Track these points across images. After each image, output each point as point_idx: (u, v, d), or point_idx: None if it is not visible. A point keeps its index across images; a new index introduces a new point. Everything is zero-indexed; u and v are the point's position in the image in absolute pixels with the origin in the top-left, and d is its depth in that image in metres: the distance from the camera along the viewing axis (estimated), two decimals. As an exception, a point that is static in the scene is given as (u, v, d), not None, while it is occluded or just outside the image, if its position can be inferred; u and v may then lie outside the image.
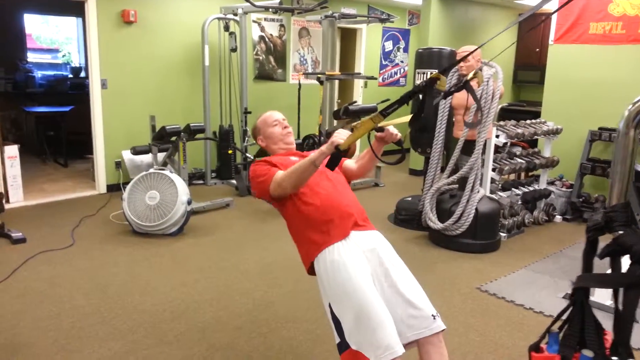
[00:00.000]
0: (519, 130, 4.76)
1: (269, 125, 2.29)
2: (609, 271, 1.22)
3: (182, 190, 4.47)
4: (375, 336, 1.74)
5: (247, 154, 5.92)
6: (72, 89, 8.39)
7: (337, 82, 6.20)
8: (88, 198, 5.60)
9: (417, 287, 1.95)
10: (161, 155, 5.25)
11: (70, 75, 9.21)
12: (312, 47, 7.48)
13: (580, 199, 5.33)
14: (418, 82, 4.79)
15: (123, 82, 5.74)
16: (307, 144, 6.02)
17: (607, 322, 3.24)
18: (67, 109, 7.20)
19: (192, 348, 2.73)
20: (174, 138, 5.11)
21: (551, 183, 5.52)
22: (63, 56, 10.40)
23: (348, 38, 8.19)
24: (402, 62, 8.73)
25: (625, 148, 1.25)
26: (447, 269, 3.91)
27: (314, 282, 2.07)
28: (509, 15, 8.60)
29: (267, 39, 6.90)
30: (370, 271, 1.90)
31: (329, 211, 1.99)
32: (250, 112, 6.13)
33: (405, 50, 8.72)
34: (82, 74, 9.15)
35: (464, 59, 1.67)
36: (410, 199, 5.14)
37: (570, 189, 5.41)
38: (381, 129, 1.97)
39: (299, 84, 6.48)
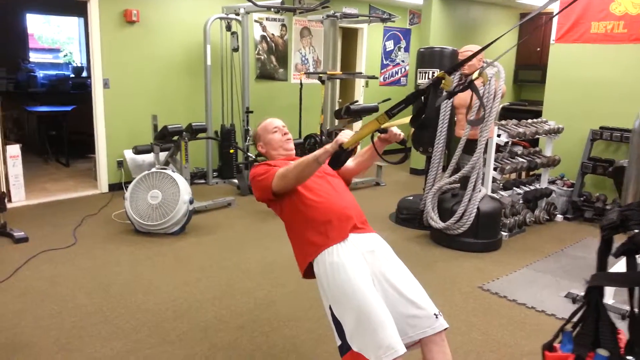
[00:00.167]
0: (521, 130, 4.76)
1: (269, 132, 2.31)
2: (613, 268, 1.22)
3: (184, 189, 4.48)
4: (376, 337, 1.74)
5: (249, 154, 5.93)
6: (74, 89, 8.40)
7: (338, 81, 6.20)
8: (90, 197, 5.61)
9: (418, 286, 1.95)
10: (163, 155, 5.26)
11: (72, 75, 9.22)
12: (314, 47, 7.48)
13: (582, 198, 5.33)
14: (420, 81, 4.79)
15: (125, 81, 5.75)
16: (308, 143, 6.03)
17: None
18: (69, 108, 7.21)
19: (195, 347, 2.73)
20: (176, 137, 5.12)
21: (552, 182, 5.52)
22: (65, 56, 10.41)
23: (349, 38, 8.19)
24: (403, 61, 8.73)
25: (640, 147, 1.25)
26: (449, 268, 3.91)
27: (315, 281, 2.08)
28: (510, 15, 8.59)
29: (268, 39, 6.91)
30: (370, 272, 1.90)
31: (328, 213, 2.00)
32: (252, 112, 6.13)
33: (406, 49, 8.72)
34: (84, 74, 9.16)
35: (470, 59, 1.66)
36: (411, 198, 5.14)
37: (572, 188, 5.41)
38: (385, 131, 1.97)
39: (301, 84, 6.49)
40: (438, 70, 4.65)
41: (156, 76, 5.98)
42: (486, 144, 4.29)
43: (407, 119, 1.97)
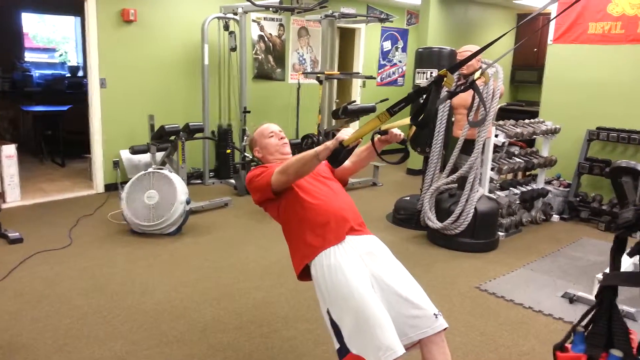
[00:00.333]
0: (518, 130, 4.77)
1: (265, 137, 2.32)
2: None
3: (181, 189, 4.46)
4: (375, 338, 1.73)
5: (246, 154, 5.92)
6: (70, 88, 8.36)
7: (335, 81, 6.20)
8: (85, 198, 5.58)
9: (416, 287, 1.95)
10: (159, 155, 5.24)
11: (68, 75, 9.18)
12: (311, 47, 7.47)
13: (578, 199, 5.34)
14: (418, 81, 4.79)
15: (122, 81, 5.72)
16: (305, 143, 6.01)
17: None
18: (64, 108, 7.17)
19: (193, 348, 2.72)
20: (172, 137, 5.10)
21: (549, 182, 5.53)
22: (60, 55, 10.37)
23: (347, 38, 8.19)
24: (400, 61, 8.73)
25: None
26: (446, 268, 3.91)
27: (313, 282, 2.08)
28: (507, 15, 8.61)
29: (266, 39, 6.89)
30: (367, 274, 1.90)
31: (325, 215, 1.99)
32: (249, 112, 6.12)
33: (404, 50, 8.72)
34: (80, 73, 9.12)
35: (470, 59, 1.66)
36: (408, 198, 5.14)
37: (568, 189, 5.43)
38: (385, 132, 1.96)
39: (299, 84, 6.48)
40: (436, 70, 4.66)
41: (153, 76, 5.95)
42: (483, 144, 4.30)
43: (408, 120, 1.96)
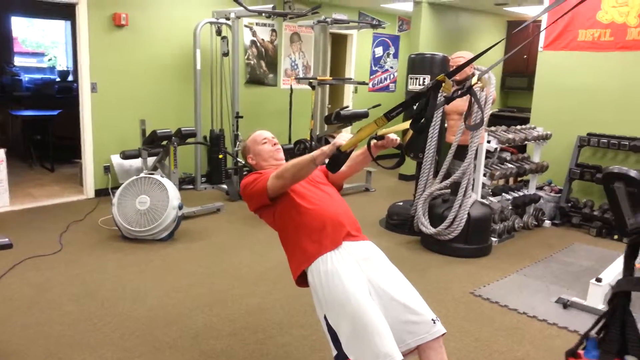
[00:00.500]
0: (510, 136, 4.80)
1: (258, 143, 2.31)
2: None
3: (173, 195, 4.43)
4: (373, 345, 1.72)
5: (238, 159, 5.89)
6: (60, 93, 8.29)
7: (328, 87, 6.20)
8: (76, 203, 5.52)
9: (414, 292, 1.94)
10: (151, 160, 5.20)
11: (58, 79, 9.11)
12: (303, 52, 7.48)
13: (569, 204, 5.38)
14: (411, 87, 4.80)
15: (113, 85, 5.68)
16: (298, 149, 6.00)
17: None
18: (54, 112, 7.10)
19: (186, 355, 2.68)
20: (164, 142, 5.07)
21: (540, 188, 5.56)
22: (49, 60, 10.29)
23: (338, 44, 8.21)
24: (391, 67, 8.77)
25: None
26: (440, 274, 3.91)
27: (309, 288, 2.06)
28: (497, 23, 8.69)
29: (258, 44, 6.89)
30: (364, 280, 1.89)
31: (322, 220, 1.98)
32: (241, 117, 6.10)
33: (395, 56, 8.77)
34: (70, 78, 9.05)
35: (466, 64, 1.67)
36: (401, 203, 5.14)
37: (559, 194, 5.47)
38: (382, 138, 1.96)
39: (291, 89, 6.47)
40: (429, 76, 4.68)
41: (145, 80, 5.92)
42: (476, 150, 4.31)
43: (404, 125, 1.96)
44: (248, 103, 6.65)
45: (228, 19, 6.03)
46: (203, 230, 4.74)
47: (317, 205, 2.02)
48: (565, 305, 3.38)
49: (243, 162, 5.87)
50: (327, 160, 1.84)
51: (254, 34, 6.81)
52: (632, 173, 3.36)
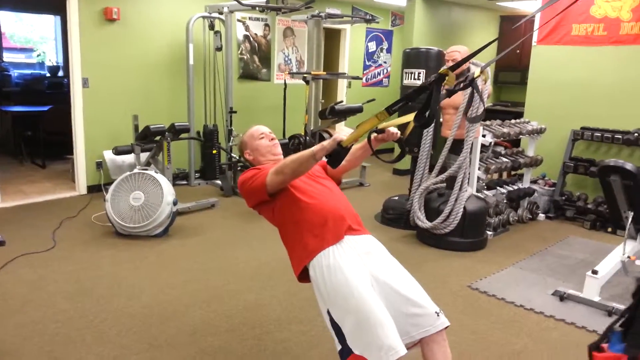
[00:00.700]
0: (505, 130, 4.80)
1: (256, 139, 2.29)
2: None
3: (168, 190, 4.39)
4: (377, 338, 1.71)
5: (232, 154, 5.86)
6: (50, 89, 8.19)
7: (321, 81, 6.18)
8: (68, 199, 5.46)
9: (416, 286, 1.94)
10: (144, 156, 5.15)
11: (48, 75, 9.00)
12: (297, 47, 7.44)
13: (563, 197, 5.40)
14: (406, 82, 4.79)
15: (105, 81, 5.61)
16: (292, 143, 5.98)
17: (596, 318, 3.24)
18: (45, 108, 7.02)
19: (183, 352, 2.66)
20: (158, 138, 5.02)
21: (534, 182, 5.58)
22: (38, 55, 10.17)
23: (332, 38, 8.18)
24: (385, 62, 8.75)
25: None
26: (437, 268, 3.92)
27: (306, 283, 2.05)
28: (490, 17, 8.69)
29: (251, 39, 6.84)
30: (367, 274, 1.87)
31: (323, 215, 1.97)
32: (235, 112, 6.06)
33: (389, 51, 8.75)
34: (60, 73, 8.94)
35: (467, 59, 1.65)
36: (397, 198, 5.14)
37: (553, 188, 5.49)
38: (382, 131, 1.94)
39: (285, 84, 6.44)
40: (424, 70, 4.67)
41: (137, 75, 5.86)
42: (472, 144, 4.31)
43: (405, 118, 1.94)
44: (241, 98, 6.61)
45: (221, 13, 5.97)
46: (198, 226, 4.71)
47: (317, 200, 2.00)
48: (562, 297, 3.39)
49: (237, 158, 5.84)
50: (325, 157, 1.82)
51: (247, 28, 6.76)
52: (628, 166, 3.39)
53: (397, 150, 7.11)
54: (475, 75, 1.67)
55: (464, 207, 4.23)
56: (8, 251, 3.89)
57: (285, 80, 6.59)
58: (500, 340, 2.88)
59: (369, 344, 1.71)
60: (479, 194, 4.65)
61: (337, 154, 1.78)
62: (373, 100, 6.08)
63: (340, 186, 2.30)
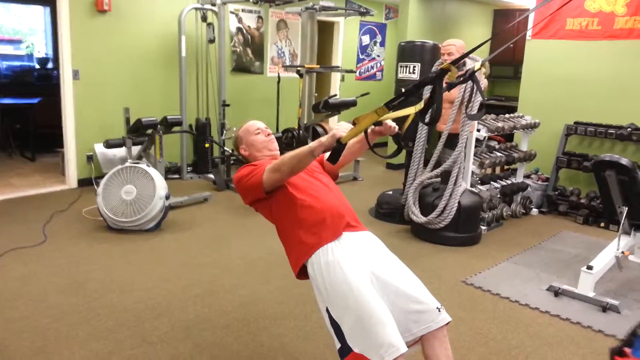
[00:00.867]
0: (499, 124, 4.79)
1: (251, 134, 2.25)
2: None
3: (160, 184, 4.34)
4: (377, 335, 1.69)
5: (225, 148, 5.81)
6: (40, 80, 8.07)
7: (315, 75, 6.13)
8: (58, 193, 5.39)
9: (417, 281, 1.92)
10: (135, 149, 5.09)
11: (37, 66, 8.87)
12: (290, 40, 7.38)
13: (556, 192, 5.42)
14: (401, 75, 4.76)
15: (96, 73, 5.53)
16: (286, 137, 5.94)
17: (591, 314, 3.23)
18: (34, 101, 6.91)
19: (178, 347, 2.63)
20: (149, 131, 4.96)
21: (527, 177, 5.59)
22: (27, 47, 10.00)
23: (325, 31, 8.12)
24: (378, 56, 8.72)
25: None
26: (431, 262, 3.91)
27: (306, 280, 2.02)
28: (485, 11, 8.68)
29: (244, 31, 6.78)
30: (366, 270, 1.85)
31: (321, 211, 1.94)
32: (228, 105, 6.00)
33: (382, 44, 8.71)
34: (50, 65, 8.81)
35: (466, 55, 1.63)
36: (391, 192, 5.12)
37: (546, 183, 5.50)
38: (380, 123, 1.91)
39: (279, 77, 6.38)
40: (419, 64, 4.64)
41: (129, 67, 5.78)
42: (467, 138, 4.30)
43: (405, 111, 1.91)
44: (234, 91, 6.55)
45: (214, 4, 5.90)
46: (191, 220, 4.66)
47: (315, 197, 1.98)
48: (557, 293, 3.40)
49: (230, 151, 5.79)
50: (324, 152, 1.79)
51: (239, 20, 6.69)
52: (623, 161, 3.39)
53: (391, 144, 7.11)
54: (475, 69, 1.64)
55: (459, 202, 4.22)
56: (-2, 245, 3.84)
57: (278, 73, 6.53)
58: (497, 336, 2.87)
59: (369, 342, 1.69)
60: (473, 189, 4.64)
61: (337, 151, 1.75)
62: (367, 94, 6.05)
63: (335, 181, 2.27)
